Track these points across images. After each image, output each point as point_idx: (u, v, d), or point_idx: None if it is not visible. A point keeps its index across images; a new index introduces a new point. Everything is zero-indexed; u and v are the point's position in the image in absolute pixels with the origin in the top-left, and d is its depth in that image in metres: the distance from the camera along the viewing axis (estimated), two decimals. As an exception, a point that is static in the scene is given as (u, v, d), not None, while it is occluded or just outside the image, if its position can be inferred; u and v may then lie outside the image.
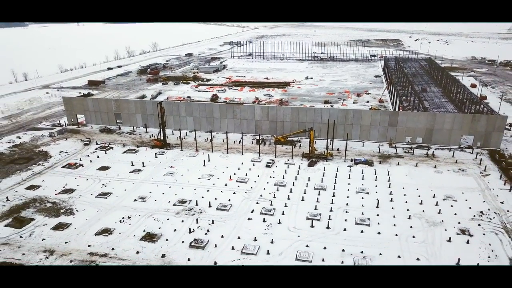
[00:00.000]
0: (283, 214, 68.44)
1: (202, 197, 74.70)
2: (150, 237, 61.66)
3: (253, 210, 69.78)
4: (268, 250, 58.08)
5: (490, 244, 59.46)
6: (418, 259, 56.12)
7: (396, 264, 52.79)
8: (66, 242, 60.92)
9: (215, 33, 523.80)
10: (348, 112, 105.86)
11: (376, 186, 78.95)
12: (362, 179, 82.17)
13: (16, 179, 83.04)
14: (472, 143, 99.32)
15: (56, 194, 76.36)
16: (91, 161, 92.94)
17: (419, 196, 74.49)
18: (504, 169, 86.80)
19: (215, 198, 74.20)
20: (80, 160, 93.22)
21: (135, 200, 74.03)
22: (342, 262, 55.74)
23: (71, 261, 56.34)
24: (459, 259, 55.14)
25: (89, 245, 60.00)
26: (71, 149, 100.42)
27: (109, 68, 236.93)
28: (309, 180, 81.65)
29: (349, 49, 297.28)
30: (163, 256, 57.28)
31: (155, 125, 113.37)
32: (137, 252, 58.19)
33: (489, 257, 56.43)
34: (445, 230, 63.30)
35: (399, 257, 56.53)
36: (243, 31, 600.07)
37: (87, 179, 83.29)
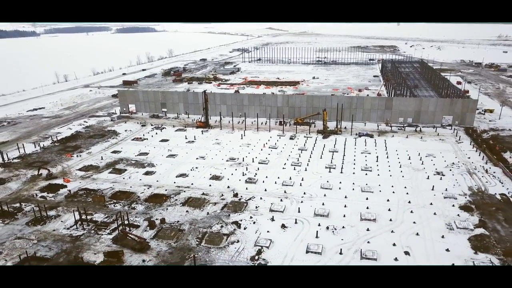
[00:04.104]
0: (307, 165, 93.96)
1: (246, 156, 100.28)
2: (216, 178, 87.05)
3: (285, 163, 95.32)
4: (300, 183, 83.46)
5: (456, 180, 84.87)
6: (405, 187, 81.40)
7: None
8: (157, 181, 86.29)
9: (222, 41, 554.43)
10: (352, 98, 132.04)
11: (376, 149, 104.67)
12: (365, 145, 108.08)
13: (101, 147, 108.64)
14: (451, 122, 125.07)
15: (135, 156, 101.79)
16: (152, 136, 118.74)
17: (408, 154, 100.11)
18: (475, 139, 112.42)
19: (256, 157, 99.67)
20: (144, 135, 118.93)
21: (197, 158, 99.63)
22: (353, 189, 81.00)
23: (165, 190, 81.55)
24: (433, 186, 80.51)
25: (174, 182, 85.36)
26: (133, 129, 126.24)
27: (123, 74, 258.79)
28: (324, 146, 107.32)
29: (349, 55, 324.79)
30: (228, 187, 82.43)
31: (195, 112, 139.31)
32: (210, 185, 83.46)
33: (454, 185, 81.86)
34: (426, 173, 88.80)
35: (392, 186, 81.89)
36: (247, 39, 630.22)
37: (154, 147, 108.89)
